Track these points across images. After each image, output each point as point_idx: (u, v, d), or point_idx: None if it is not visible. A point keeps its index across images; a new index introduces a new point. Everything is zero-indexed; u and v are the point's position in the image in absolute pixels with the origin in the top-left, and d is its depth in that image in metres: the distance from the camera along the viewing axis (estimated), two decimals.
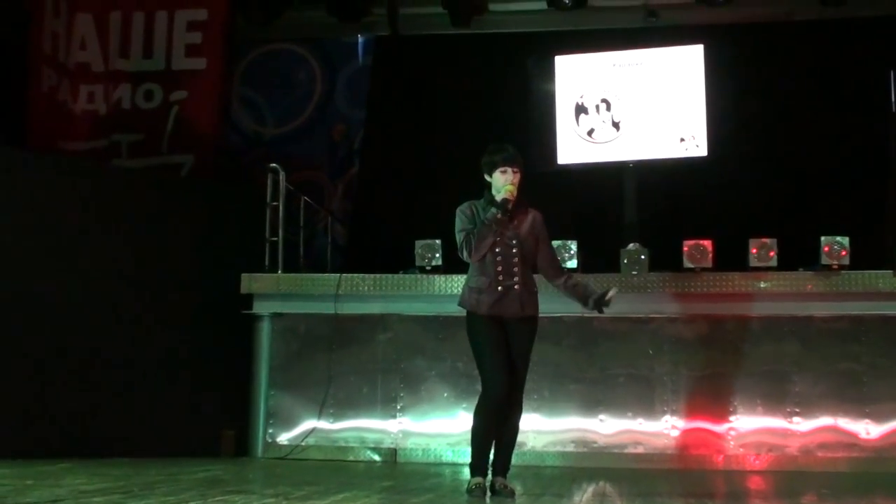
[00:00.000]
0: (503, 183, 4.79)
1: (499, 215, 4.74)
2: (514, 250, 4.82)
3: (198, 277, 7.24)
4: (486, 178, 4.88)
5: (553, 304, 6.97)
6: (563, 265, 7.03)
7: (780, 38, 8.98)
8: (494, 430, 4.77)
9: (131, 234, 7.15)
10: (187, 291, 7.21)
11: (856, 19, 8.83)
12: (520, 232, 4.86)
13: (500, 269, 4.79)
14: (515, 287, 4.79)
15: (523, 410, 4.90)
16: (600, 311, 4.97)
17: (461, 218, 4.87)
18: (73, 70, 9.07)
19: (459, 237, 4.84)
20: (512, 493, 4.73)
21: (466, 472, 6.25)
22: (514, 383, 4.75)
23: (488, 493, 4.74)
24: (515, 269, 4.80)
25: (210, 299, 7.23)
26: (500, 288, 4.78)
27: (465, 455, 6.78)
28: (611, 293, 4.86)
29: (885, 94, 8.04)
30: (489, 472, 4.82)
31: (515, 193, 4.79)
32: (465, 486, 4.83)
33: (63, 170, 7.16)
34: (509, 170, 4.81)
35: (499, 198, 4.77)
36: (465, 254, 4.81)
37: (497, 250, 4.80)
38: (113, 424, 6.76)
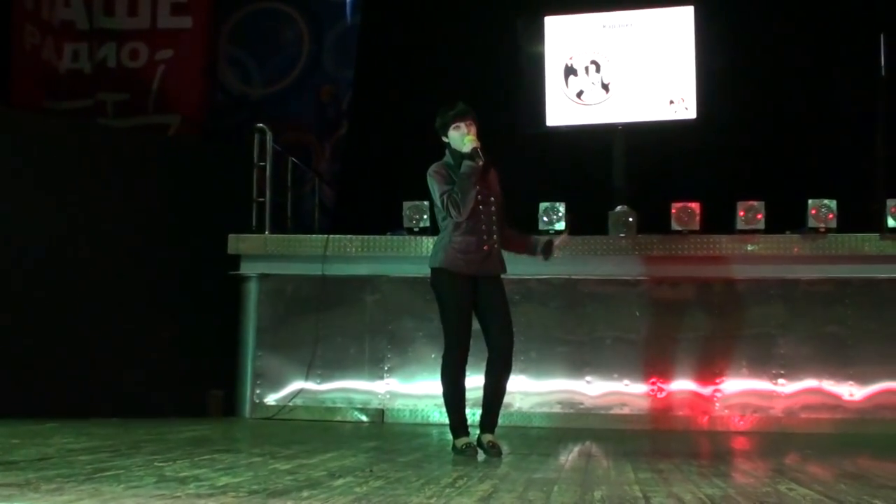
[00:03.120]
0: (460, 137, 4.77)
1: (480, 162, 4.68)
2: (492, 208, 4.84)
3: (184, 238, 7.21)
4: (444, 139, 4.87)
5: (541, 266, 7.02)
6: (552, 227, 7.05)
7: (770, 0, 8.91)
8: (463, 387, 4.82)
9: (117, 194, 7.11)
10: (174, 252, 7.18)
11: None
12: (495, 190, 4.89)
13: (484, 227, 4.79)
14: (496, 246, 4.85)
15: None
16: (546, 257, 5.00)
17: (437, 179, 4.80)
18: (57, 28, 8.97)
19: (442, 199, 4.76)
20: (499, 452, 4.75)
21: None
22: (507, 340, 4.81)
23: (479, 452, 4.76)
24: (494, 228, 4.84)
25: (197, 260, 7.20)
26: (485, 247, 4.79)
27: None
28: (560, 239, 5.02)
29: (875, 58, 8.02)
30: (472, 430, 4.86)
31: (478, 141, 4.74)
32: (452, 447, 4.84)
33: (47, 129, 7.10)
34: (462, 125, 4.79)
35: (467, 149, 4.72)
36: (453, 213, 4.71)
37: (480, 209, 4.78)
38: (100, 384, 6.76)
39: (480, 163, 4.70)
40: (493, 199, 4.85)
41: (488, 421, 4.87)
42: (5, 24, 8.67)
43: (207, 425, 6.37)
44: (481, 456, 4.73)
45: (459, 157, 4.77)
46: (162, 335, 7.09)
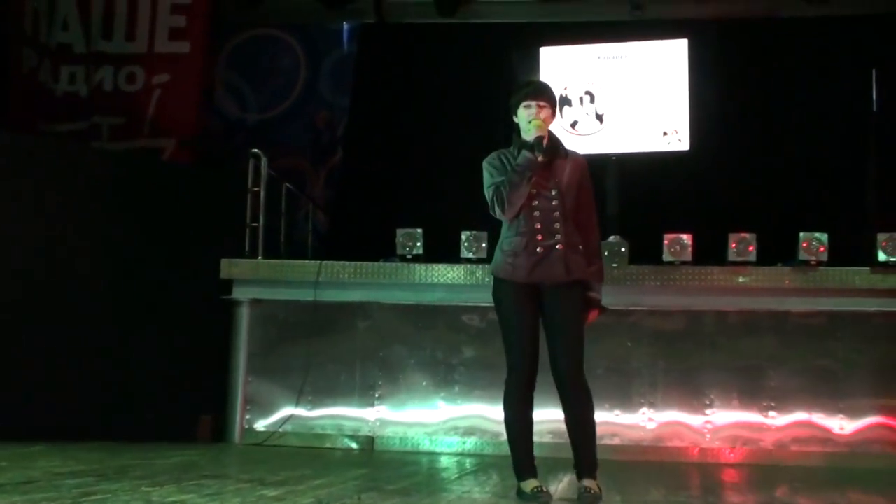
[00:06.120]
0: (527, 119, 4.15)
1: (539, 157, 4.07)
2: (554, 203, 4.14)
3: (177, 262, 7.20)
4: (514, 119, 4.27)
5: None
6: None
7: (763, 34, 9.01)
8: (531, 417, 4.23)
9: (111, 217, 7.11)
10: (166, 276, 7.17)
11: (839, 17, 8.87)
12: (561, 181, 4.17)
13: (538, 226, 4.12)
14: (558, 247, 4.12)
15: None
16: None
17: (489, 171, 4.21)
18: (55, 51, 9.00)
19: (489, 192, 4.15)
20: (594, 499, 4.09)
21: (444, 460, 6.32)
22: (567, 363, 4.17)
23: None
24: (557, 226, 4.12)
25: (189, 284, 7.19)
26: (539, 249, 4.11)
27: (442, 444, 6.84)
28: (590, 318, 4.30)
29: (867, 93, 8.11)
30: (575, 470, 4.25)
31: (546, 129, 4.15)
32: (517, 492, 4.21)
33: (42, 151, 7.10)
34: (533, 104, 4.16)
35: (529, 137, 4.11)
36: (497, 210, 4.13)
37: (535, 203, 4.13)
38: (89, 408, 6.72)
39: (540, 157, 4.08)
40: (555, 192, 4.15)
41: (582, 464, 4.21)
42: (4, 47, 8.70)
43: (196, 450, 6.33)
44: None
45: (521, 143, 4.18)
46: (151, 359, 7.05)
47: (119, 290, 7.04)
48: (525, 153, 4.10)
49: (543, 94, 4.23)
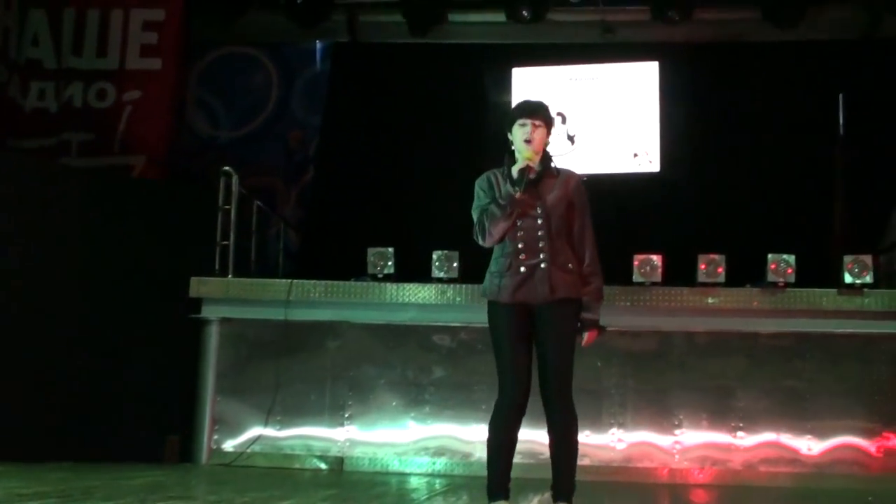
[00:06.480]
0: (520, 139, 4.05)
1: (517, 194, 3.99)
2: (539, 221, 4.04)
3: (146, 280, 7.13)
4: (509, 136, 4.15)
5: None
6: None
7: (733, 58, 9.13)
8: (513, 440, 4.11)
9: (79, 234, 7.04)
10: (135, 294, 7.09)
11: (807, 43, 9.01)
12: (545, 200, 4.07)
13: (521, 245, 4.05)
14: (542, 266, 4.02)
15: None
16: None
17: (477, 193, 4.14)
18: (24, 66, 8.93)
19: (474, 216, 4.11)
20: None
21: (413, 481, 6.29)
22: (554, 384, 4.05)
23: None
24: (541, 245, 4.03)
25: (158, 302, 7.12)
26: (522, 269, 4.03)
27: (412, 465, 6.81)
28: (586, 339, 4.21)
29: (834, 117, 8.22)
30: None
31: (536, 159, 4.05)
32: None
33: (10, 167, 7.02)
34: (528, 122, 4.05)
35: (515, 170, 4.01)
36: (479, 239, 4.09)
37: (519, 223, 4.04)
38: (54, 428, 6.62)
39: (518, 194, 3.98)
40: (541, 210, 4.04)
41: (559, 487, 4.11)
42: None
43: (162, 471, 6.26)
44: None
45: (507, 174, 4.09)
46: (118, 378, 6.97)
47: (85, 308, 6.96)
48: (508, 188, 4.04)
49: (538, 113, 4.11)
